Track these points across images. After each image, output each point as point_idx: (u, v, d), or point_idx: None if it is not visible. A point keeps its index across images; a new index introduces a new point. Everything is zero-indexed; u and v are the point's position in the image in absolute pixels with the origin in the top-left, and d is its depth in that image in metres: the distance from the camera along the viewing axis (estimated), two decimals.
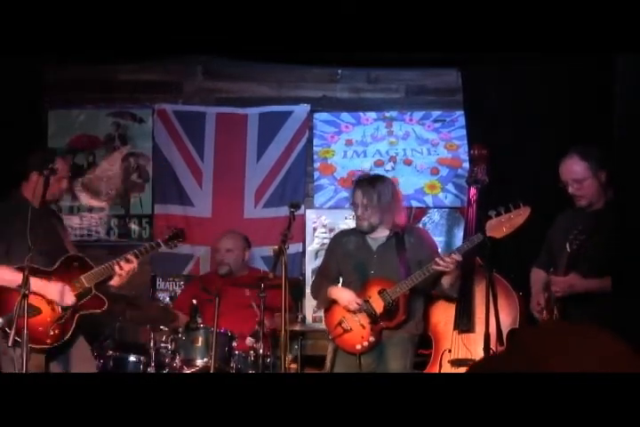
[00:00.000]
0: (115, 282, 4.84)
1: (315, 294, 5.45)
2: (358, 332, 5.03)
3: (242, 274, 5.99)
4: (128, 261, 4.81)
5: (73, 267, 4.73)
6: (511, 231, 4.73)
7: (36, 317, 4.45)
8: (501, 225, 4.71)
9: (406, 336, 5.07)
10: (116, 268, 4.78)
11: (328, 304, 5.21)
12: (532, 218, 5.41)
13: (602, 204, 4.69)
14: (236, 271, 6.00)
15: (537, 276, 4.91)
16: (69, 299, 4.58)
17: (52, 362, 4.65)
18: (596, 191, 4.68)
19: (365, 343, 5.01)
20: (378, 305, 4.98)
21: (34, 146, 6.38)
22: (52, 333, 4.54)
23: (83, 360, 4.76)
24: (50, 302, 4.58)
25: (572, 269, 4.51)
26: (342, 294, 5.11)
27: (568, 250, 4.51)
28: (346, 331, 5.03)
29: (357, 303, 5.00)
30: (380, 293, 4.98)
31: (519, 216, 4.73)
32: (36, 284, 4.34)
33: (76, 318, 4.65)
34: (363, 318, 5.02)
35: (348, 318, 5.04)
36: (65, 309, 4.39)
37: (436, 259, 4.86)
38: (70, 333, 4.63)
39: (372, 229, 5.13)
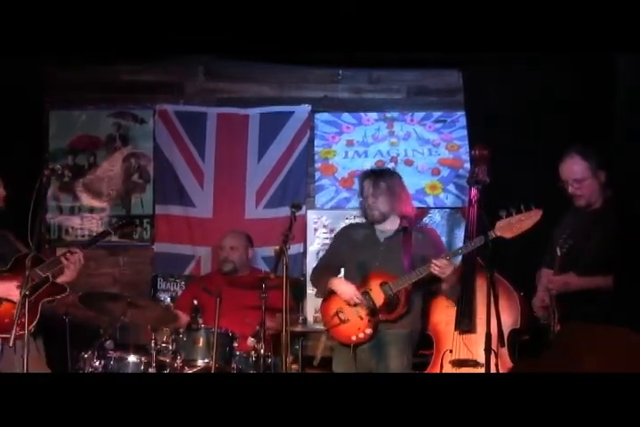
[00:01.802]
0: (66, 277, 4.91)
1: (315, 283, 5.48)
2: (355, 323, 5.06)
3: (243, 273, 5.99)
4: (72, 252, 4.92)
5: (25, 263, 4.82)
6: (521, 233, 4.74)
7: None
8: (511, 226, 4.72)
9: (404, 333, 5.08)
10: (63, 259, 4.87)
11: (327, 295, 5.24)
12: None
13: (600, 203, 4.70)
14: (240, 269, 6.00)
15: (541, 275, 4.92)
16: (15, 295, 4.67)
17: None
18: (595, 191, 4.69)
19: (361, 335, 5.04)
20: (378, 297, 5.02)
21: (35, 146, 6.41)
22: (18, 322, 4.52)
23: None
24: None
25: (564, 272, 4.54)
26: (344, 287, 5.12)
27: (558, 253, 4.55)
28: (343, 322, 5.07)
29: (358, 298, 5.04)
30: (381, 285, 5.02)
31: (530, 219, 4.73)
32: None
33: (40, 305, 4.75)
34: (361, 310, 5.06)
35: (345, 309, 5.09)
36: (23, 297, 4.41)
37: (433, 261, 4.90)
38: (37, 320, 4.70)
39: (384, 217, 5.21)
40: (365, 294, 5.05)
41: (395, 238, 5.21)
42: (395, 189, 5.21)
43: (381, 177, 5.24)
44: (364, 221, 5.39)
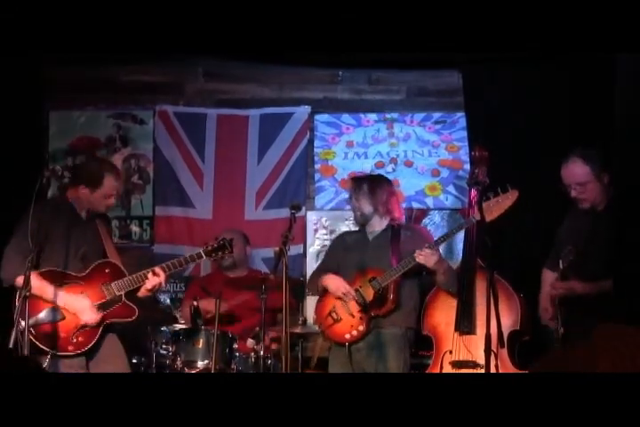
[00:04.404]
0: (140, 293, 4.76)
1: (310, 284, 5.52)
2: (348, 321, 5.09)
3: (242, 272, 5.98)
4: (156, 274, 4.73)
5: (104, 273, 4.66)
6: (500, 214, 4.81)
7: (59, 323, 4.47)
8: (490, 209, 4.75)
9: (400, 333, 5.10)
10: (145, 280, 4.71)
11: (319, 292, 5.29)
12: (532, 218, 5.42)
13: (604, 205, 4.69)
14: (239, 265, 5.98)
15: (545, 277, 4.92)
16: (90, 317, 4.51)
17: (90, 361, 4.60)
18: (598, 194, 4.68)
19: (354, 332, 5.07)
20: (368, 293, 5.06)
21: (35, 147, 6.41)
22: (74, 340, 4.48)
23: (113, 357, 4.69)
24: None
25: (568, 279, 4.56)
26: (332, 280, 5.19)
27: (561, 267, 4.56)
28: (336, 321, 5.11)
29: (345, 288, 5.08)
30: (370, 281, 5.06)
31: (507, 199, 4.81)
32: (63, 297, 4.47)
33: (102, 326, 4.59)
34: (353, 307, 5.09)
35: (337, 308, 5.13)
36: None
37: (417, 251, 4.94)
38: (95, 340, 4.55)
39: (366, 219, 5.26)
40: (356, 291, 5.09)
41: (382, 236, 5.26)
42: (377, 191, 5.24)
43: (364, 180, 5.36)
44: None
